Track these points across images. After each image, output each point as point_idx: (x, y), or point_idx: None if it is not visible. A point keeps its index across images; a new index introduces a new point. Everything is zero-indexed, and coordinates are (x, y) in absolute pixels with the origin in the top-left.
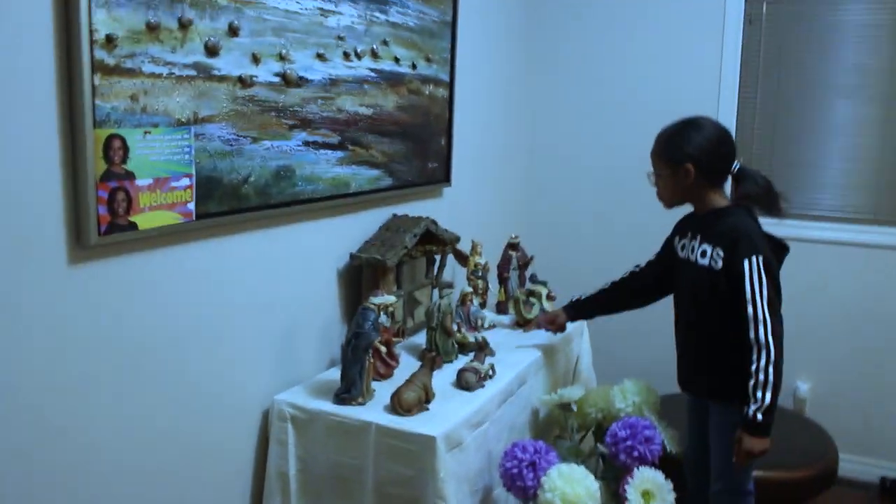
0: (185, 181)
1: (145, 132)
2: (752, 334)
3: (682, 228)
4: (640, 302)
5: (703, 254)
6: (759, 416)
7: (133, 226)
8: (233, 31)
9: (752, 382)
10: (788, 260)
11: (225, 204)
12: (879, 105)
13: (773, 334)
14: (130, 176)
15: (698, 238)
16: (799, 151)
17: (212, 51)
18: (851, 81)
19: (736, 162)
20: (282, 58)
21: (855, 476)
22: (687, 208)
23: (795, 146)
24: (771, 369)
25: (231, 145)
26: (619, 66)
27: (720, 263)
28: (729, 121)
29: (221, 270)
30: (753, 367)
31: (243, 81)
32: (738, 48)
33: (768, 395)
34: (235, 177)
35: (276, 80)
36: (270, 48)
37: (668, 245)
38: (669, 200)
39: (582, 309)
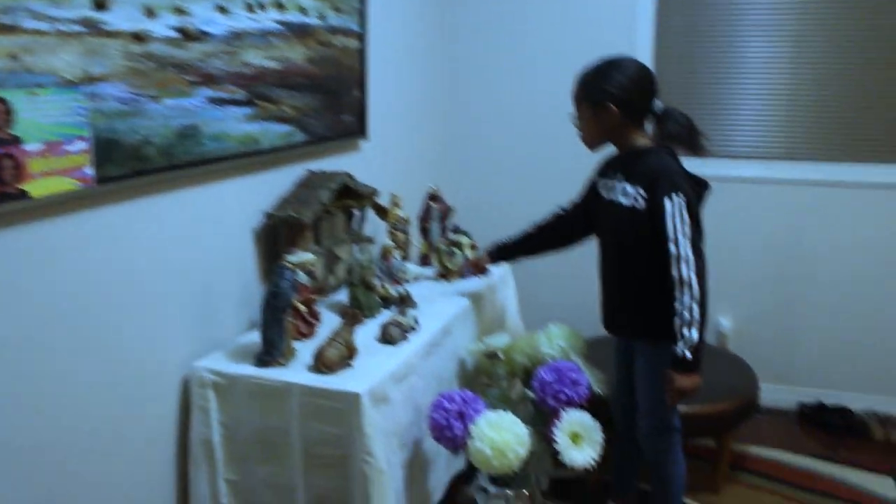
0: (80, 144)
1: (31, 93)
2: (675, 272)
3: (604, 169)
4: (563, 243)
5: (625, 193)
6: (688, 354)
7: (23, 194)
8: None
9: (677, 321)
10: (711, 198)
11: (126, 167)
12: (791, 43)
13: (695, 272)
14: (17, 140)
15: (621, 178)
16: (715, 91)
17: (100, 4)
18: (763, 19)
19: (657, 101)
20: (179, 11)
21: (775, 404)
22: (608, 149)
23: (712, 86)
24: (695, 306)
25: (129, 105)
26: (536, 8)
27: (642, 202)
28: (645, 61)
29: (128, 236)
30: (678, 305)
31: (138, 37)
32: None
33: (695, 333)
34: (136, 138)
35: (175, 34)
36: (166, 1)
37: (591, 186)
38: (592, 142)
39: (505, 251)
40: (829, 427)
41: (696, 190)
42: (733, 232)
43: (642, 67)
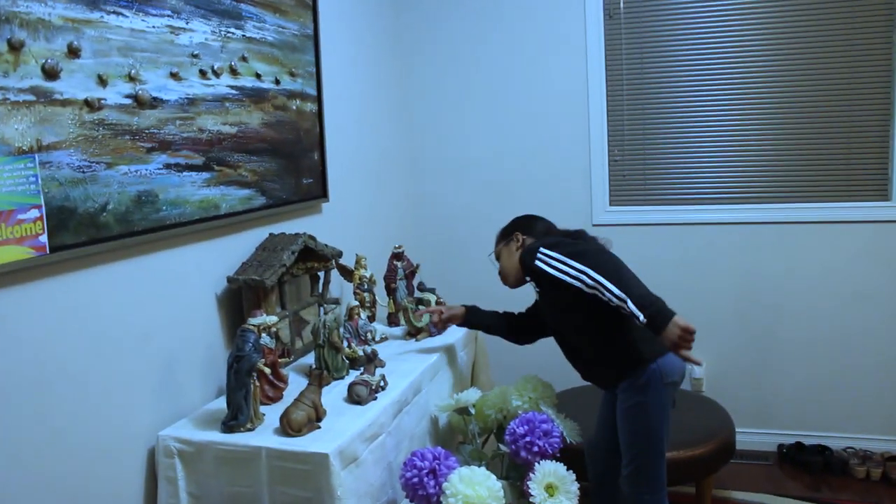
0: (34, 213)
1: None
2: (586, 289)
3: None
4: (525, 338)
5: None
6: (642, 318)
7: None
8: (73, 52)
9: (626, 313)
10: (673, 246)
11: (83, 234)
12: (739, 94)
13: (594, 269)
14: None
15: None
16: (670, 139)
17: (50, 74)
18: (711, 72)
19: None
20: (132, 78)
21: (755, 448)
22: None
23: (666, 134)
24: (615, 287)
25: (83, 172)
26: (491, 70)
27: (536, 286)
28: (599, 113)
29: (86, 305)
30: (614, 302)
31: (90, 105)
32: (602, 42)
33: (630, 303)
34: (92, 205)
35: (128, 101)
36: (118, 69)
37: None
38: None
39: (478, 318)
40: (810, 467)
41: (575, 239)
42: (699, 277)
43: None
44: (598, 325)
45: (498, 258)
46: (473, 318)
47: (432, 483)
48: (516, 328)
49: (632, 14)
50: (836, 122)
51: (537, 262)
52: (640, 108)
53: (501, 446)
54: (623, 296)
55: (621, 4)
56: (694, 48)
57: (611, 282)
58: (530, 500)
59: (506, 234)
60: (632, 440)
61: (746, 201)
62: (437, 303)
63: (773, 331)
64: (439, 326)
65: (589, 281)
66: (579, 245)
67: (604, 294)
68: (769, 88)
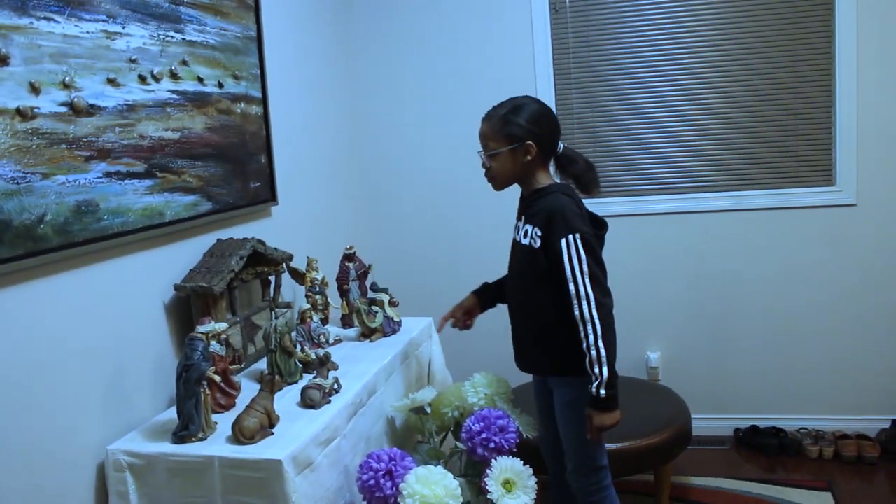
0: None
1: None
2: (577, 311)
3: (518, 212)
4: None
5: (525, 234)
6: (602, 392)
7: None
8: (1, 60)
9: (587, 360)
10: (625, 237)
11: (19, 247)
12: (686, 84)
13: (597, 308)
14: None
15: (523, 218)
16: (619, 131)
17: None
18: (658, 61)
19: (560, 142)
20: (66, 85)
21: (712, 433)
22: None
23: (615, 127)
24: (601, 344)
25: (18, 183)
26: (440, 68)
27: (539, 242)
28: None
29: (26, 319)
30: (584, 344)
31: (22, 114)
32: (548, 37)
33: (605, 370)
34: (28, 217)
35: (63, 109)
36: (51, 76)
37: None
38: (503, 181)
39: (492, 294)
40: (766, 449)
41: (595, 230)
42: (652, 267)
43: (548, 108)
44: (561, 312)
45: (492, 157)
46: (488, 299)
47: (389, 484)
48: None
49: (577, 7)
50: (782, 112)
51: (563, 242)
52: (589, 101)
53: (459, 444)
54: (603, 356)
55: None
56: (640, 40)
57: (603, 331)
58: (488, 496)
59: (513, 134)
60: (573, 433)
61: (696, 190)
62: (391, 303)
63: (725, 317)
64: (466, 326)
65: (585, 310)
66: (601, 262)
67: (585, 331)
68: (715, 80)
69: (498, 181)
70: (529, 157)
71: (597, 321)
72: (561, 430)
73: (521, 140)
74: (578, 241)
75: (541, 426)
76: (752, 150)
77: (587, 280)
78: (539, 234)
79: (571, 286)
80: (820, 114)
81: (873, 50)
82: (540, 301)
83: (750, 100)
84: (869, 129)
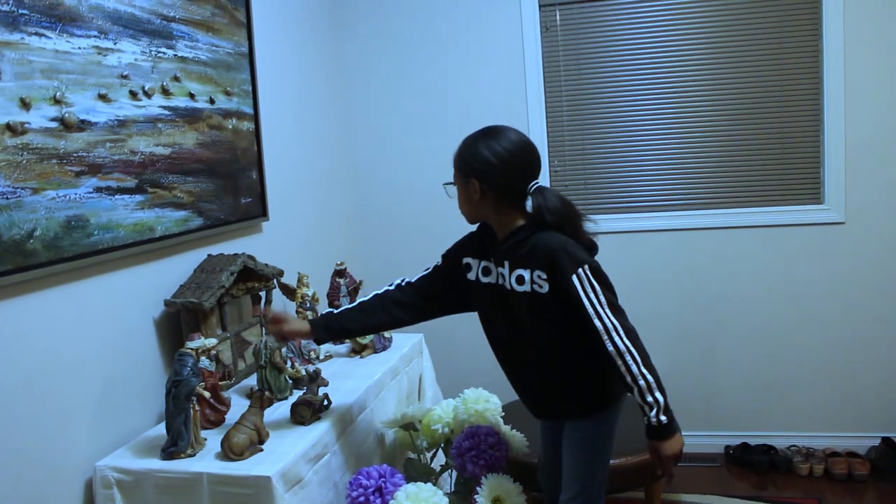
0: None
1: None
2: (609, 346)
3: (473, 249)
4: (411, 316)
5: (521, 280)
6: (663, 418)
7: None
8: None
9: (636, 392)
10: (614, 254)
11: (8, 262)
12: (675, 105)
13: (627, 336)
14: None
15: (507, 264)
16: (608, 149)
17: None
18: (647, 82)
19: (535, 181)
20: (57, 101)
21: (702, 451)
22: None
23: (604, 144)
24: (645, 371)
25: (7, 199)
26: (432, 84)
27: (545, 286)
28: (539, 125)
29: (15, 334)
30: (629, 377)
31: (13, 129)
32: (539, 55)
33: (658, 395)
34: (17, 232)
35: (54, 124)
36: (42, 91)
37: (453, 262)
38: (467, 215)
39: (334, 327)
40: (756, 467)
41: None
42: (642, 284)
43: (518, 143)
44: (578, 352)
45: (453, 187)
46: (328, 332)
47: (378, 501)
48: (393, 311)
49: (568, 27)
50: (770, 130)
51: (574, 279)
52: (580, 119)
53: (449, 460)
54: (652, 382)
55: (557, 18)
56: (630, 60)
57: (642, 358)
58: None
59: (463, 170)
60: (583, 471)
61: (685, 208)
62: None
63: (715, 334)
64: (275, 334)
65: (618, 342)
66: (612, 287)
67: (625, 363)
68: (704, 99)
69: (463, 214)
70: (477, 196)
71: (633, 350)
72: (565, 461)
73: (466, 176)
74: (589, 273)
75: (543, 456)
76: (740, 168)
77: (608, 311)
78: (544, 276)
79: (597, 322)
80: (808, 132)
81: (861, 69)
82: (559, 348)
83: (738, 118)
84: (857, 147)
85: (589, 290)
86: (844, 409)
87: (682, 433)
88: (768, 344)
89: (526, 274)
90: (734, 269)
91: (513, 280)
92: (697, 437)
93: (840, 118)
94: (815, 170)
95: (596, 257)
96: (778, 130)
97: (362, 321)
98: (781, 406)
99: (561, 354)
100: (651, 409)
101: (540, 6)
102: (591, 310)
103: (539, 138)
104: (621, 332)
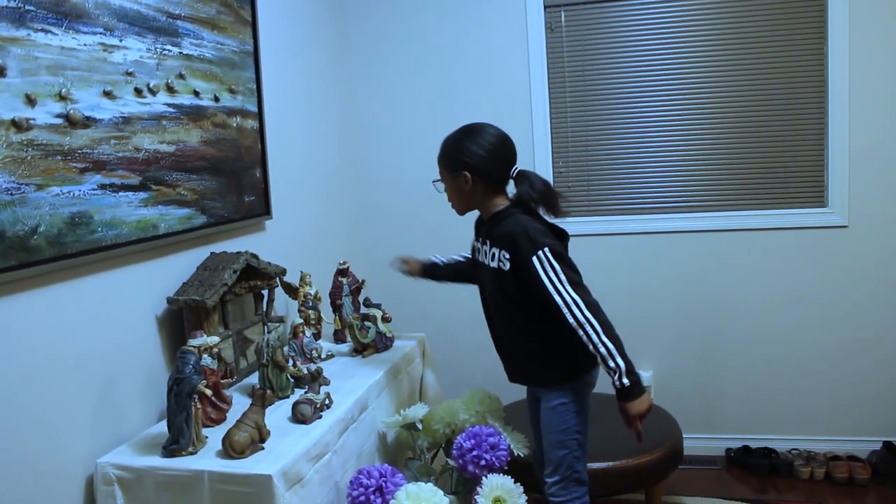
0: None
1: None
2: (570, 319)
3: (476, 231)
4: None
5: (493, 257)
6: (626, 381)
7: None
8: None
9: (599, 359)
10: (617, 256)
11: (12, 258)
12: (680, 107)
13: (588, 308)
14: None
15: (488, 243)
16: (613, 150)
17: None
18: (653, 84)
19: (515, 166)
20: (62, 97)
21: (703, 453)
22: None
23: (609, 145)
24: (605, 339)
25: (11, 195)
26: (437, 84)
27: (508, 265)
28: (543, 126)
29: (17, 329)
30: (591, 346)
31: (18, 125)
32: (544, 56)
33: (619, 360)
34: (21, 228)
35: (59, 121)
36: (47, 88)
37: (472, 246)
38: (458, 206)
39: (436, 270)
40: (757, 470)
41: (558, 241)
42: (644, 286)
43: (498, 136)
44: (545, 323)
45: (441, 183)
46: (433, 271)
47: (379, 501)
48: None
49: (573, 28)
50: (774, 134)
51: (534, 260)
52: (583, 120)
53: (450, 461)
54: (612, 348)
55: (562, 19)
56: (635, 61)
57: (603, 327)
58: None
59: (452, 165)
60: (554, 441)
61: (689, 210)
62: (384, 318)
63: (717, 337)
64: (403, 269)
65: (578, 314)
66: (575, 267)
67: (586, 333)
68: (709, 101)
69: (455, 206)
70: (468, 186)
71: (592, 320)
72: (545, 437)
73: (456, 170)
74: (549, 255)
75: (534, 441)
76: (743, 170)
77: (569, 287)
78: (507, 256)
79: (557, 298)
80: (812, 135)
81: (866, 72)
82: (523, 320)
83: (743, 120)
84: (861, 151)
85: (549, 269)
86: (846, 413)
87: (683, 435)
88: (770, 346)
89: (496, 252)
90: (736, 271)
91: (489, 257)
92: (698, 439)
93: (844, 122)
94: (819, 173)
95: (596, 257)
96: (782, 133)
97: (451, 279)
98: (782, 409)
99: (523, 327)
100: (615, 374)
101: (545, 7)
102: (550, 287)
103: (543, 139)
104: (581, 305)
